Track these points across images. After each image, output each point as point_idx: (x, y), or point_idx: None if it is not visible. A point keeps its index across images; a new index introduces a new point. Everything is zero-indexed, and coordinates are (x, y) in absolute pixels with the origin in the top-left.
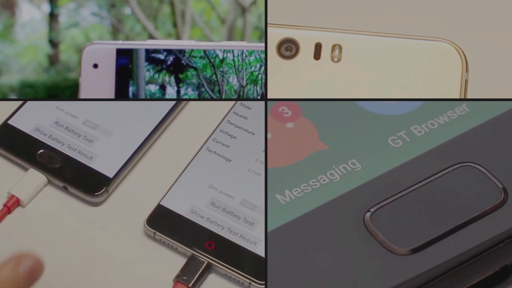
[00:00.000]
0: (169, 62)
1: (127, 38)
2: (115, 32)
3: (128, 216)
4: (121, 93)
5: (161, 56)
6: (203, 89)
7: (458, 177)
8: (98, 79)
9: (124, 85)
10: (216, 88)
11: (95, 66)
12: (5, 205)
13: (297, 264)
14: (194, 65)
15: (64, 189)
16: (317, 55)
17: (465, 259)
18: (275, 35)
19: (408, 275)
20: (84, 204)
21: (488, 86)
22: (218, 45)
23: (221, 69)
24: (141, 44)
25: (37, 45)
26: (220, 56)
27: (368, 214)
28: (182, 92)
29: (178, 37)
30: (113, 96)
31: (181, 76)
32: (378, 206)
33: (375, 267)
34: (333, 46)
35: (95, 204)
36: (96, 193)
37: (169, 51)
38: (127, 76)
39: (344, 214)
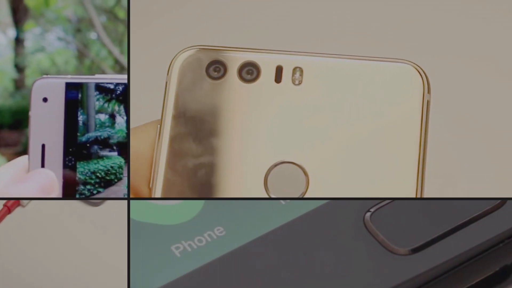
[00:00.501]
0: (118, 92)
1: (92, 63)
2: (81, 57)
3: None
4: (71, 126)
5: (111, 86)
6: None
7: None
8: (48, 113)
9: (74, 118)
10: None
11: (45, 100)
12: (5, 205)
13: (297, 264)
14: None
15: None
16: (278, 78)
17: (465, 259)
18: (235, 60)
19: (408, 275)
20: (84, 204)
21: (451, 107)
22: None
23: None
24: (90, 78)
25: (3, 69)
26: None
27: (368, 214)
28: None
29: None
30: (62, 129)
31: None
32: (378, 206)
33: (375, 267)
34: (294, 69)
35: (95, 204)
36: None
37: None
38: (77, 108)
39: (344, 214)
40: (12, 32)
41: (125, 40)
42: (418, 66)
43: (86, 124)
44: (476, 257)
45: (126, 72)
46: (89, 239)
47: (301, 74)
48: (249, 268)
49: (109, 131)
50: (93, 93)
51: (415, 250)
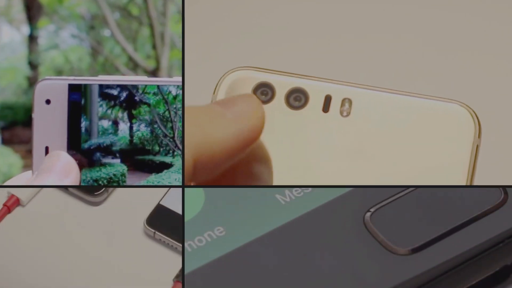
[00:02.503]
0: (122, 98)
1: (106, 60)
2: (95, 54)
3: (128, 216)
4: (74, 129)
5: (114, 92)
6: (155, 126)
7: None
8: (51, 115)
9: (77, 119)
10: (169, 125)
11: (48, 102)
12: (4, 205)
13: (297, 264)
14: (147, 101)
15: (64, 188)
16: (326, 107)
17: (465, 259)
18: (284, 84)
19: (408, 275)
20: (84, 204)
21: (499, 153)
22: (171, 81)
23: (174, 106)
24: (93, 79)
25: (16, 67)
26: (174, 92)
27: (368, 214)
28: (135, 128)
29: (157, 59)
30: (66, 132)
31: (134, 112)
32: (378, 206)
33: (375, 267)
34: (344, 100)
35: (95, 204)
36: (96, 193)
37: (122, 87)
38: (80, 111)
39: (344, 214)
40: (26, 29)
41: (138, 37)
42: (471, 109)
43: (88, 131)
44: (476, 257)
45: (141, 70)
46: (89, 239)
47: (350, 106)
48: (249, 268)
49: (112, 138)
50: (96, 98)
51: (415, 250)
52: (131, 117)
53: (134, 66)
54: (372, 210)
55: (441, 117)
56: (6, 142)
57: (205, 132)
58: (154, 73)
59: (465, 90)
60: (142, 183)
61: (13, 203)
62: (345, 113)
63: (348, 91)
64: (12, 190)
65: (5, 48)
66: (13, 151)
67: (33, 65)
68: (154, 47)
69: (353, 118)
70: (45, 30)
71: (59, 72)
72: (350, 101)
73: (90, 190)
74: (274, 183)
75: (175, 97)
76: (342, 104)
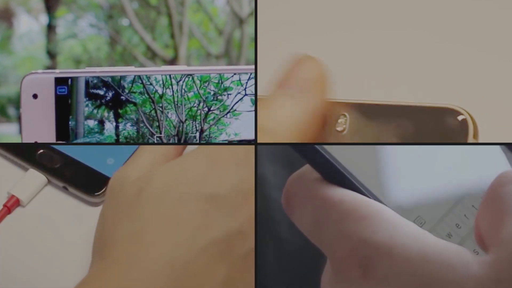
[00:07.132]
0: (108, 98)
1: (124, 49)
2: (113, 44)
3: None
4: (61, 123)
5: (101, 92)
6: (142, 125)
7: None
8: (39, 110)
9: (65, 114)
10: (156, 124)
11: (35, 96)
12: (5, 205)
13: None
14: (133, 100)
15: (64, 189)
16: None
17: None
18: None
19: None
20: (84, 204)
21: None
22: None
23: (160, 105)
24: (80, 72)
25: (35, 56)
26: (160, 91)
27: None
28: (120, 127)
29: (175, 48)
30: (54, 125)
31: (120, 111)
32: None
33: None
34: (339, 116)
35: (95, 204)
36: (96, 193)
37: (108, 87)
38: (67, 105)
39: None
40: (44, 19)
41: (157, 27)
42: (466, 111)
43: (74, 131)
44: None
45: (159, 60)
46: (89, 239)
47: (346, 121)
48: None
49: (98, 137)
50: (82, 99)
51: None
52: (117, 116)
53: (152, 56)
54: None
55: (437, 121)
56: None
57: None
58: (172, 62)
59: (458, 92)
60: None
61: (13, 204)
62: (340, 129)
63: (343, 107)
64: (12, 191)
65: (23, 38)
66: None
67: (51, 55)
68: (172, 36)
69: (350, 133)
70: (64, 19)
71: (77, 62)
72: (345, 116)
73: (90, 190)
74: None
75: (161, 96)
76: (337, 120)
